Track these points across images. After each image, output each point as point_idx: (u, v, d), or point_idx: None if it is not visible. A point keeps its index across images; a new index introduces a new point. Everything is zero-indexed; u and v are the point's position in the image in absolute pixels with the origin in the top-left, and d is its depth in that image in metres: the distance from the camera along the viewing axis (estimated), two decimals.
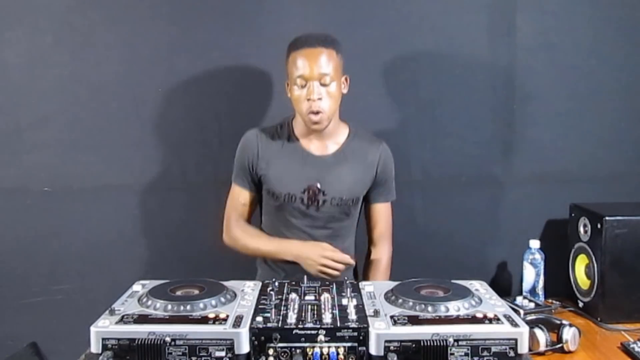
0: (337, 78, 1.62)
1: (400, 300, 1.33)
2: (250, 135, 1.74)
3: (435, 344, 1.17)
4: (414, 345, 1.17)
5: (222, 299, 1.33)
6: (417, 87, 2.05)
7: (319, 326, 1.20)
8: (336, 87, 1.62)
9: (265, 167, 1.70)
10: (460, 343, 1.18)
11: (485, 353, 1.18)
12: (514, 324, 1.22)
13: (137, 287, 1.42)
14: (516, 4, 2.03)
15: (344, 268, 1.65)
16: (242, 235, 1.75)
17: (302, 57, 1.58)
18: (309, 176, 1.69)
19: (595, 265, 1.77)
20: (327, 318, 1.24)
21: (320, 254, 1.63)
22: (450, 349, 1.17)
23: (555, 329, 1.55)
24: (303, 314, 1.26)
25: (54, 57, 1.95)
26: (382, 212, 1.82)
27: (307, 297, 1.38)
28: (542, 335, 1.50)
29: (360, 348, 1.19)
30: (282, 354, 1.19)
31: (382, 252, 1.83)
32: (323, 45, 1.59)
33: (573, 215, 1.92)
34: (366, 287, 1.44)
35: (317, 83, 1.58)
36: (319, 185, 1.69)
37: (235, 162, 1.75)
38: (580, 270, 1.88)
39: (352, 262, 1.69)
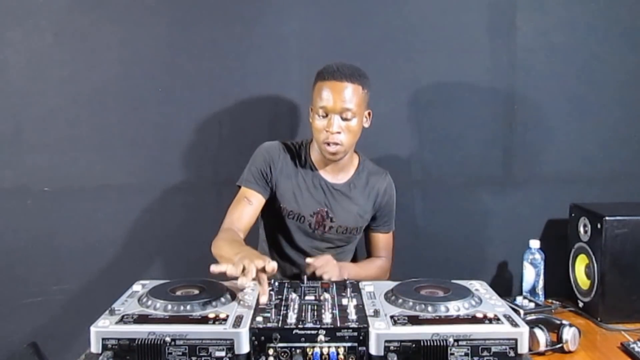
0: (360, 113, 1.63)
1: (400, 300, 1.33)
2: (273, 144, 1.74)
3: (435, 344, 1.17)
4: (414, 345, 1.17)
5: (222, 299, 1.33)
6: (417, 87, 2.05)
7: (319, 326, 1.20)
8: (357, 122, 1.63)
9: (282, 181, 1.71)
10: (460, 343, 1.18)
11: (485, 353, 1.18)
12: (514, 324, 1.22)
13: (137, 287, 1.42)
14: (516, 4, 2.03)
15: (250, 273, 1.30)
16: (221, 238, 1.59)
17: (327, 89, 1.60)
18: (319, 201, 1.72)
19: (595, 265, 1.77)
20: (327, 318, 1.24)
21: (254, 256, 1.35)
22: (450, 349, 1.17)
23: (555, 329, 1.55)
24: (303, 314, 1.26)
25: (54, 57, 1.95)
26: (383, 241, 1.86)
27: (307, 297, 1.38)
28: (542, 335, 1.50)
29: (360, 348, 1.19)
30: (282, 354, 1.19)
31: (378, 259, 1.86)
32: (350, 80, 1.60)
33: (573, 215, 1.91)
34: (366, 287, 1.44)
35: (339, 117, 1.60)
36: (327, 212, 1.72)
37: (250, 167, 1.71)
38: (580, 270, 1.88)
39: (265, 294, 1.35)
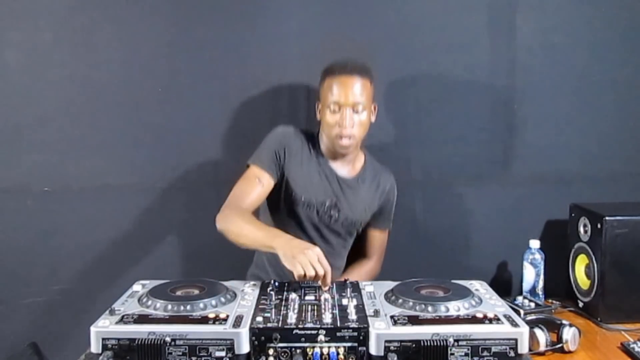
0: (369, 107, 1.68)
1: (400, 300, 1.33)
2: (289, 129, 1.75)
3: (435, 344, 1.17)
4: (414, 345, 1.17)
5: (222, 299, 1.33)
6: (417, 87, 2.05)
7: (319, 326, 1.20)
8: (367, 116, 1.67)
9: (295, 166, 1.71)
10: (460, 343, 1.18)
11: (485, 353, 1.18)
12: (514, 324, 1.22)
13: (137, 287, 1.42)
14: (516, 4, 2.03)
15: (319, 273, 1.37)
16: (235, 215, 1.57)
17: (338, 84, 1.64)
18: (329, 192, 1.74)
19: (595, 265, 1.77)
20: (327, 318, 1.24)
21: (306, 248, 1.40)
22: (450, 349, 1.18)
23: (555, 329, 1.55)
24: (303, 314, 1.26)
25: (54, 57, 1.94)
26: (379, 239, 1.88)
27: (307, 297, 1.38)
28: (542, 335, 1.50)
29: (360, 348, 1.19)
30: (282, 354, 1.19)
31: (369, 262, 1.89)
32: (359, 75, 1.65)
33: (573, 215, 1.91)
34: (366, 287, 1.44)
35: (350, 110, 1.64)
36: (336, 203, 1.74)
37: (263, 147, 1.71)
38: (580, 270, 1.88)
39: (327, 282, 1.41)
